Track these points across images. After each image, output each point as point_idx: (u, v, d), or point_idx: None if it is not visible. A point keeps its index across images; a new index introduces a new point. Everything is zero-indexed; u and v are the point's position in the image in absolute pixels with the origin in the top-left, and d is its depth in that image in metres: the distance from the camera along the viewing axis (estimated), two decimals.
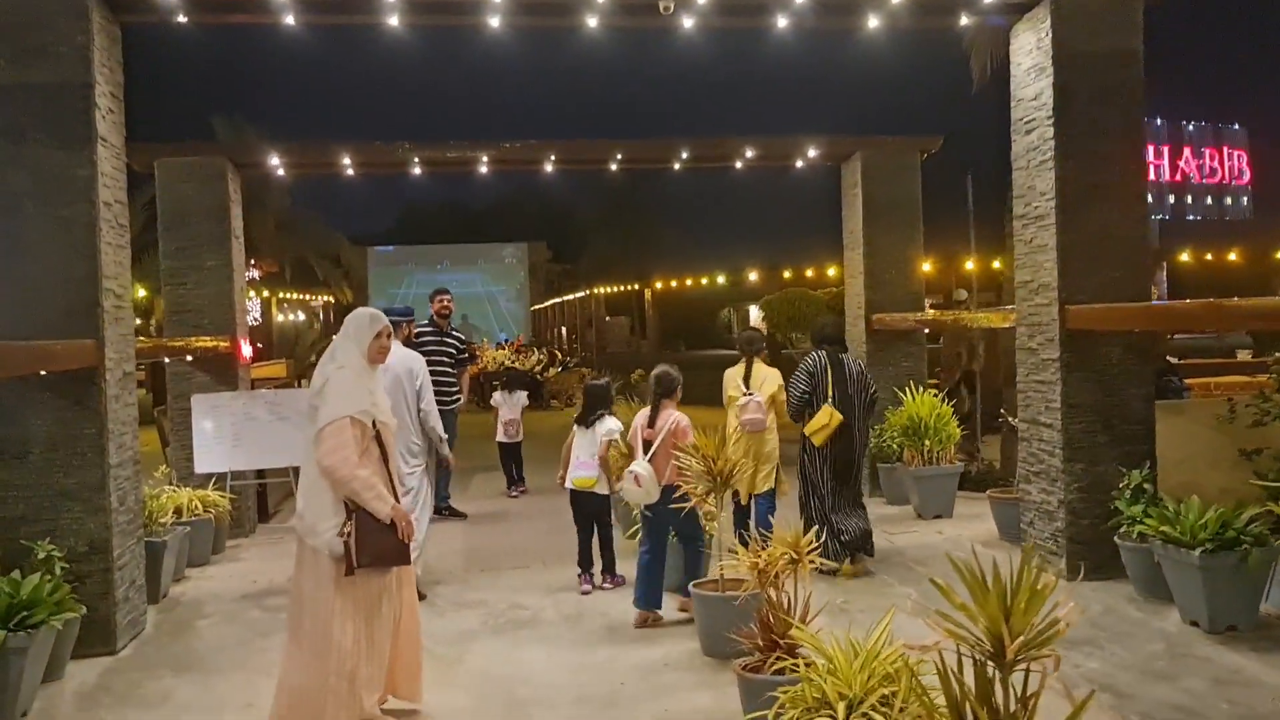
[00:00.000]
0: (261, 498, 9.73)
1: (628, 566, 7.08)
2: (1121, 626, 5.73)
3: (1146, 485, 6.26)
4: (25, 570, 5.32)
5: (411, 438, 7.07)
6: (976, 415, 10.71)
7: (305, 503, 4.45)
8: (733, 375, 7.46)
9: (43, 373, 5.66)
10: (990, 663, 2.81)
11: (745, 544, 4.90)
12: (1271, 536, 5.53)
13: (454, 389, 9.26)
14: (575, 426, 7.10)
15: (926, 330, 10.50)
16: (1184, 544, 5.57)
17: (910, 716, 3.17)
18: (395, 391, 6.71)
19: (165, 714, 5.01)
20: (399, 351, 7.09)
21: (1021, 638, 2.71)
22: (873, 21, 7.01)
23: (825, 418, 6.98)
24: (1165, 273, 28.37)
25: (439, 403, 7.32)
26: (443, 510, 9.24)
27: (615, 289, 40.66)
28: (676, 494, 6.00)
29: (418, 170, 10.48)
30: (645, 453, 6.31)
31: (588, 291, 40.84)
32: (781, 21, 6.88)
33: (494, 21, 6.63)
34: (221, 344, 9.03)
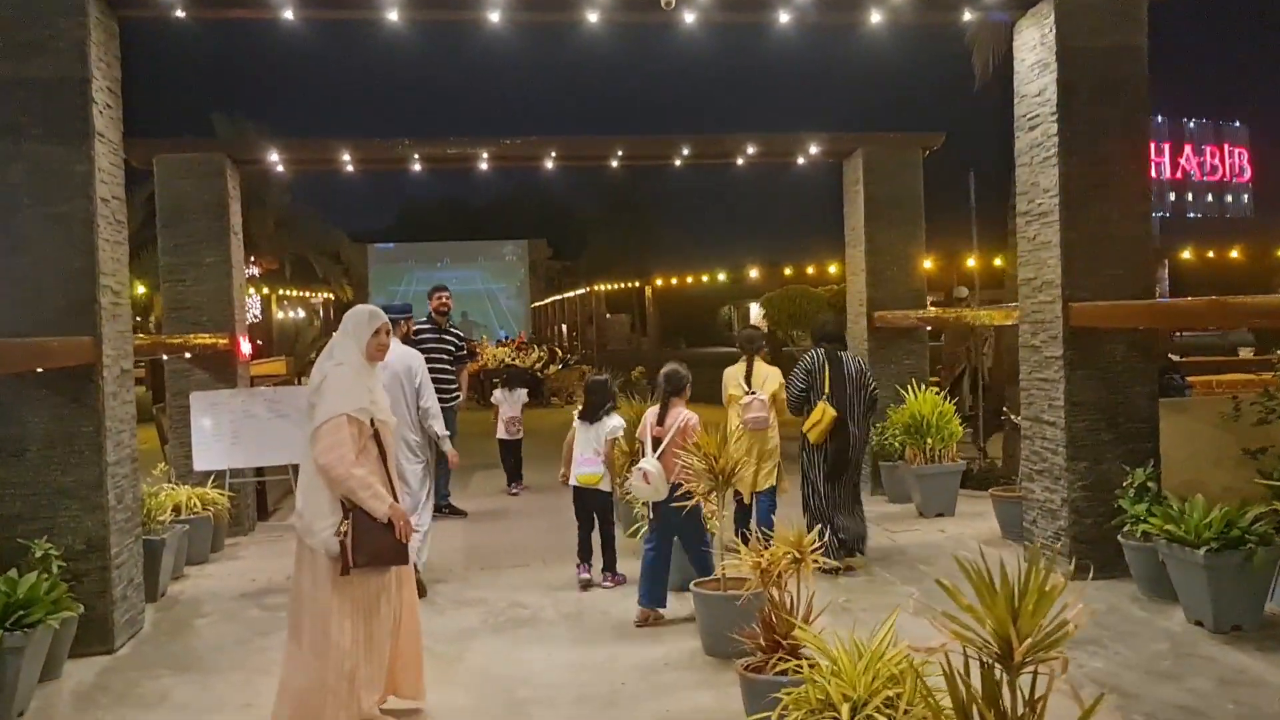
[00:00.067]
0: (261, 495, 9.70)
1: (628, 565, 7.07)
2: (1125, 626, 5.69)
3: (1150, 484, 6.23)
4: (22, 569, 5.29)
5: (411, 435, 7.06)
6: (980, 413, 10.68)
7: (303, 501, 4.41)
8: (733, 374, 7.44)
9: (39, 370, 5.62)
10: (997, 665, 2.77)
11: (746, 542, 4.88)
12: (1277, 535, 5.49)
13: (453, 386, 9.23)
14: (577, 422, 7.07)
15: (929, 328, 10.47)
16: (1189, 543, 5.54)
17: (915, 719, 3.13)
18: (394, 389, 6.68)
19: (163, 714, 4.97)
20: (398, 349, 7.06)
21: (1030, 640, 2.67)
22: (875, 17, 6.95)
23: (819, 414, 7.01)
24: (1166, 270, 28.33)
25: (438, 400, 7.28)
26: (442, 508, 9.21)
27: (616, 286, 40.62)
28: (678, 492, 5.98)
29: (417, 167, 10.44)
30: (654, 450, 6.28)
31: (588, 289, 40.80)
32: (783, 16, 6.84)
33: (494, 16, 6.59)
34: (220, 341, 8.99)
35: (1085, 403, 6.64)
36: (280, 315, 31.08)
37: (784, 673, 4.03)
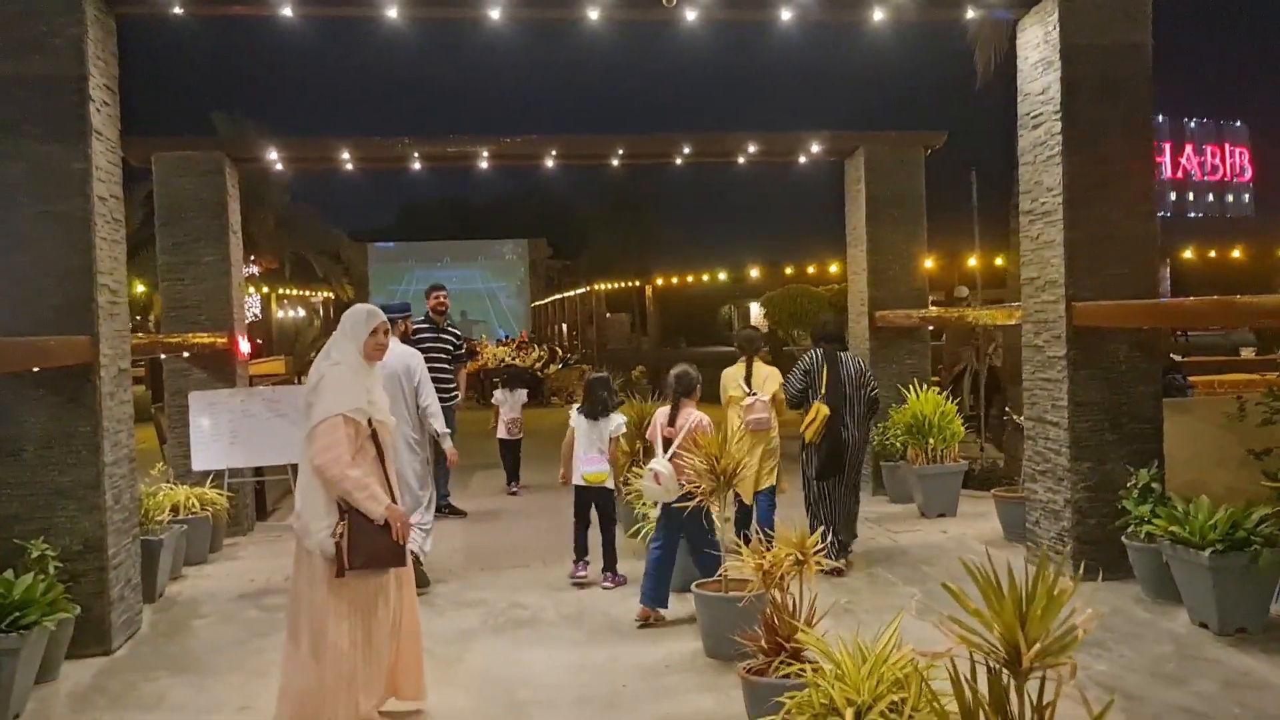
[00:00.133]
0: (260, 495, 9.66)
1: (627, 566, 7.04)
2: (1129, 628, 5.65)
3: (1154, 485, 6.19)
4: (18, 570, 5.26)
5: (410, 434, 7.03)
6: (982, 413, 10.64)
7: (301, 502, 4.38)
8: (733, 375, 7.41)
9: (36, 369, 5.58)
10: (1005, 670, 2.73)
11: (748, 542, 4.85)
12: None
13: (451, 386, 9.19)
14: (578, 420, 7.03)
15: (930, 328, 10.43)
16: (1193, 544, 5.50)
17: None
18: (393, 388, 6.65)
19: (160, 715, 4.94)
20: (397, 348, 7.04)
21: (1038, 645, 2.63)
22: (877, 15, 6.92)
23: (813, 413, 7.03)
24: (1168, 270, 28.31)
25: (438, 399, 7.26)
26: (442, 508, 9.17)
27: (616, 285, 40.61)
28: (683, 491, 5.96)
29: (417, 165, 10.40)
30: (665, 451, 6.26)
31: (588, 288, 40.77)
32: (785, 14, 6.80)
33: (494, 14, 6.55)
34: (219, 340, 8.95)
35: (1089, 403, 6.61)
36: (280, 314, 31.06)
37: (786, 676, 3.99)
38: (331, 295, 33.66)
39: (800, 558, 4.40)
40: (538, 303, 43.84)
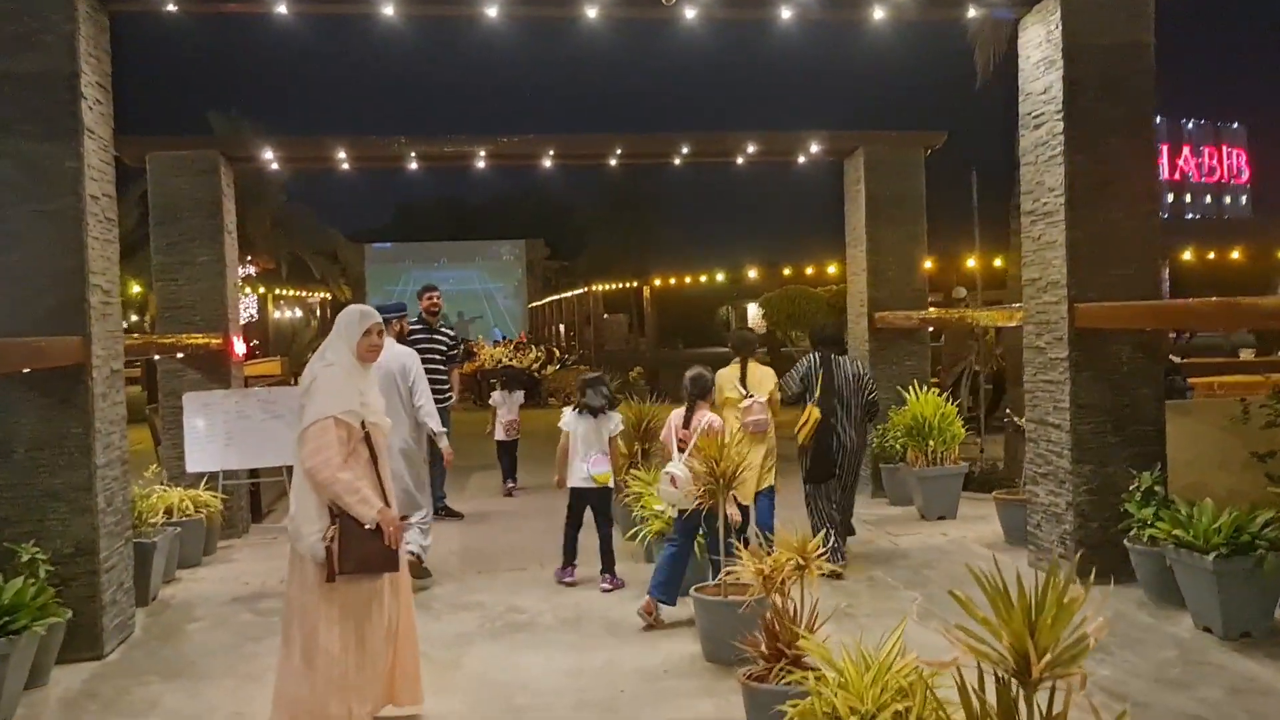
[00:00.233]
0: (255, 497, 9.60)
1: (625, 569, 6.99)
2: (1133, 632, 5.60)
3: (1157, 488, 6.13)
4: (8, 574, 5.19)
5: (407, 434, 6.99)
6: (981, 414, 10.59)
7: (294, 505, 4.32)
8: (729, 376, 7.36)
9: (27, 370, 5.51)
10: (1014, 680, 2.67)
11: (746, 544, 4.81)
12: None
13: (445, 386, 9.13)
14: (576, 421, 6.97)
15: (930, 329, 10.38)
16: (1197, 548, 5.44)
17: None
18: (388, 389, 6.60)
19: None
20: (393, 348, 7.00)
21: (1049, 655, 2.57)
22: (878, 14, 6.87)
23: (805, 415, 7.07)
24: (1167, 271, 28.28)
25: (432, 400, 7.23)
26: (439, 510, 9.11)
27: (613, 286, 40.52)
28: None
29: (414, 165, 10.34)
30: (680, 453, 6.23)
31: (586, 289, 40.68)
32: (785, 13, 6.75)
33: (491, 11, 6.49)
34: (213, 341, 8.88)
35: (1091, 405, 6.55)
36: (277, 315, 30.96)
37: (788, 683, 3.93)
38: (329, 296, 33.55)
39: (801, 562, 4.34)
40: (535, 303, 43.76)
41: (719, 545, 5.95)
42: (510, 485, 10.86)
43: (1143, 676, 4.98)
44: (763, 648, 4.25)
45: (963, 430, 8.97)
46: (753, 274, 30.72)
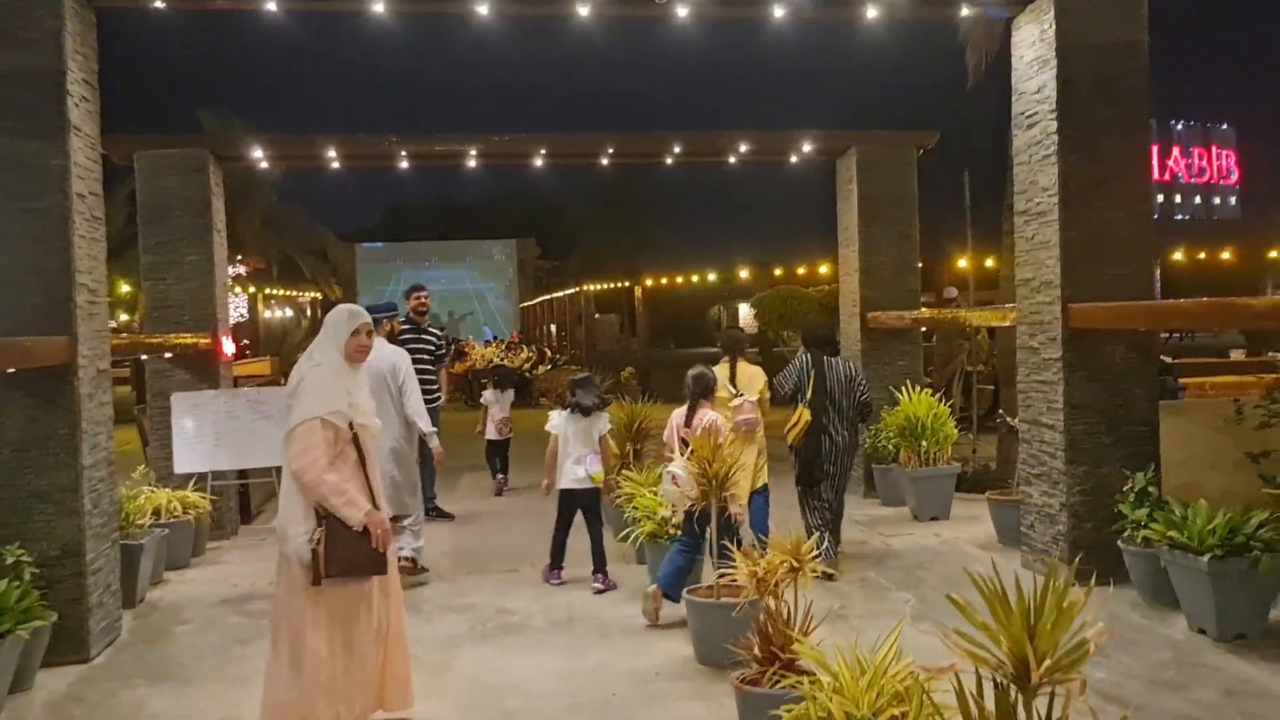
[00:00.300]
0: (244, 498, 9.52)
1: (616, 570, 6.95)
2: (1127, 634, 5.57)
3: (1151, 488, 6.11)
4: None
5: (397, 435, 6.96)
6: (974, 414, 10.57)
7: (282, 506, 4.26)
8: (719, 375, 7.33)
9: (12, 370, 5.45)
10: (1013, 686, 2.63)
11: (739, 545, 4.79)
12: None
13: (434, 387, 9.08)
14: (566, 422, 6.93)
15: (924, 329, 10.35)
16: (1192, 550, 5.42)
17: None
18: (379, 389, 6.55)
19: None
20: (383, 348, 6.95)
21: (1049, 660, 2.54)
22: (870, 12, 6.84)
23: (796, 417, 7.05)
24: (1158, 271, 28.36)
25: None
26: (429, 511, 9.05)
27: (605, 286, 40.47)
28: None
29: (405, 164, 10.27)
30: (683, 453, 6.21)
31: (577, 288, 40.61)
32: (778, 11, 6.71)
33: (482, 9, 6.44)
34: (201, 341, 8.81)
35: (1084, 405, 6.53)
36: (268, 315, 30.85)
37: (781, 686, 3.89)
38: (319, 295, 33.44)
39: (795, 564, 4.30)
40: (526, 303, 43.70)
41: (711, 546, 5.93)
42: (501, 479, 10.88)
43: (1138, 678, 4.96)
44: (756, 651, 4.21)
45: (955, 430, 8.94)
46: (744, 274, 30.74)
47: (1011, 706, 2.64)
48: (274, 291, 30.78)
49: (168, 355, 8.79)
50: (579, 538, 6.99)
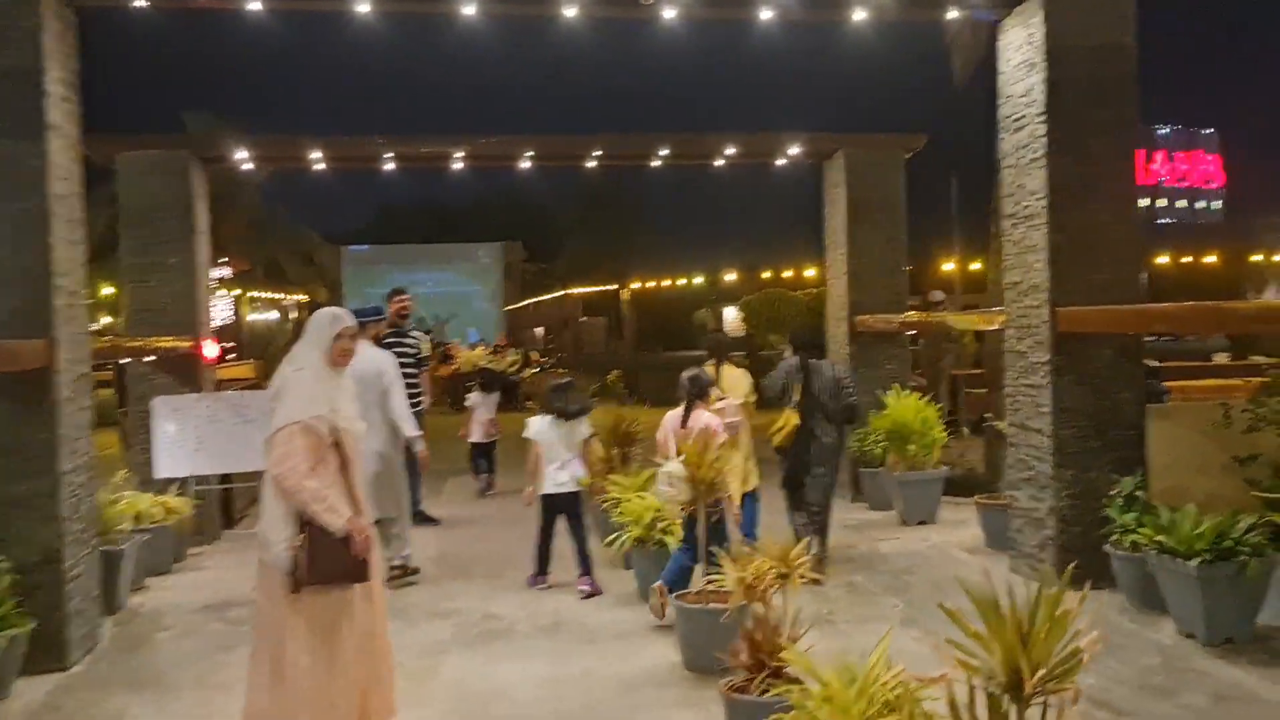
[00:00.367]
0: (226, 503, 9.44)
1: (602, 576, 6.90)
2: (1115, 638, 5.51)
3: (1139, 492, 6.09)
4: None
5: (383, 440, 6.91)
6: (961, 418, 10.56)
7: (263, 512, 4.20)
8: None
9: None
10: (1006, 696, 2.60)
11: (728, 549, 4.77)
12: (1270, 546, 5.36)
13: (418, 390, 9.02)
14: (548, 428, 6.89)
15: (911, 332, 10.34)
16: (1180, 554, 5.40)
17: None
18: (365, 394, 6.49)
19: None
20: (370, 353, 6.91)
21: (1043, 670, 2.50)
22: (858, 14, 6.81)
23: (783, 420, 7.07)
24: (1145, 275, 28.50)
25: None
26: (414, 515, 8.99)
27: (592, 289, 40.45)
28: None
29: (391, 165, 10.20)
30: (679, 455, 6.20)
31: (564, 292, 40.58)
32: (765, 13, 6.68)
33: (468, 10, 6.39)
34: (183, 344, 8.72)
35: (1073, 409, 6.51)
36: (253, 317, 30.68)
37: (772, 694, 3.85)
38: (306, 298, 33.27)
39: (784, 570, 4.26)
40: (512, 306, 43.60)
41: (700, 551, 5.90)
42: (488, 479, 10.87)
43: (1126, 684, 4.94)
44: (744, 658, 4.17)
45: (944, 434, 8.92)
46: (731, 277, 30.78)
47: (1004, 717, 2.61)
48: (259, 294, 30.63)
49: (149, 358, 8.69)
50: (566, 543, 6.95)
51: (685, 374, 6.64)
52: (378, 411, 6.87)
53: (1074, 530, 6.46)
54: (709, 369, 7.29)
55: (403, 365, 8.70)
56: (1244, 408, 5.94)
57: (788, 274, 27.11)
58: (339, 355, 4.38)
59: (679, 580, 5.95)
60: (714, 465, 5.63)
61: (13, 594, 5.17)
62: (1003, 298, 7.24)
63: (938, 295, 17.17)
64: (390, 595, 5.58)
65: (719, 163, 10.54)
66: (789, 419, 7.03)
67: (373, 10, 6.36)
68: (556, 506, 6.92)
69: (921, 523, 8.63)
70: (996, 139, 7.27)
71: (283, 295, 32.73)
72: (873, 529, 8.57)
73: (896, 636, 4.19)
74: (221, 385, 10.17)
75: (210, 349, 9.33)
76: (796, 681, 3.63)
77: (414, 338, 9.34)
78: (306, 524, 4.08)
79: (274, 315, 33.52)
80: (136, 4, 6.11)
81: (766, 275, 27.89)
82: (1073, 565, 5.84)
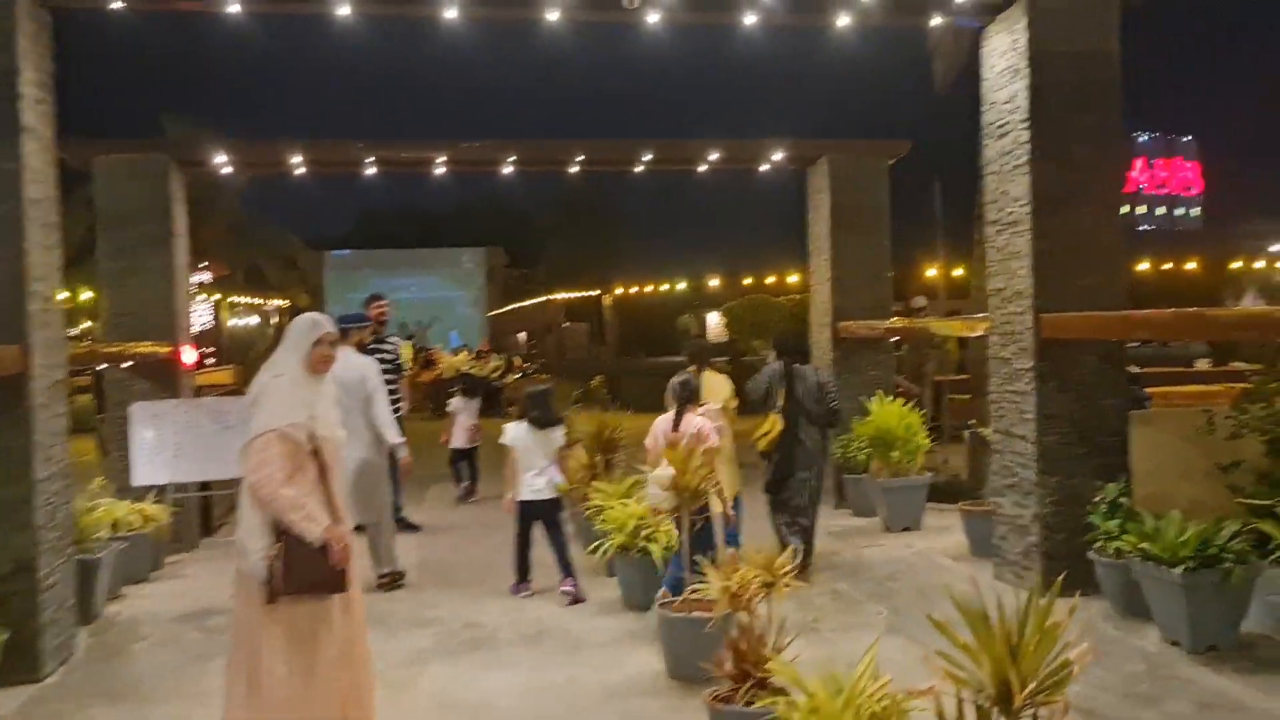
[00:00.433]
0: (205, 510, 9.33)
1: (585, 583, 6.85)
2: (1100, 646, 5.46)
3: (1123, 499, 6.09)
4: None
5: (365, 447, 6.86)
6: (943, 424, 10.56)
7: (241, 521, 4.13)
8: None
9: None
10: (995, 708, 2.56)
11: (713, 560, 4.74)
12: (1254, 554, 5.36)
13: (397, 396, 8.95)
14: (524, 435, 6.86)
15: (895, 338, 10.33)
16: (1164, 561, 5.39)
17: None
18: (347, 401, 6.43)
19: None
20: (352, 359, 6.85)
21: (1033, 683, 2.47)
22: (842, 19, 6.80)
23: (768, 425, 7.07)
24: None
25: None
26: (396, 522, 8.91)
27: (575, 294, 40.39)
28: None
29: (372, 170, 10.13)
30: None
31: (546, 297, 40.51)
32: (749, 18, 6.66)
33: (450, 14, 6.34)
34: (161, 349, 8.62)
35: (1057, 416, 6.51)
36: (233, 322, 30.46)
37: (752, 703, 3.81)
38: (287, 303, 33.05)
39: (769, 580, 4.22)
40: (495, 312, 43.51)
41: (709, 548, 5.89)
42: (468, 486, 10.86)
43: (1111, 691, 4.92)
44: (729, 667, 4.13)
45: (928, 440, 8.91)
46: (714, 283, 30.79)
47: None
48: (239, 299, 30.41)
49: (127, 364, 8.59)
50: (548, 550, 6.90)
51: (675, 379, 6.63)
52: (360, 418, 6.83)
53: (1058, 537, 6.45)
54: (692, 375, 7.27)
55: (382, 371, 8.66)
56: (1227, 414, 5.94)
57: (771, 280, 27.15)
58: (318, 362, 4.31)
59: (677, 588, 5.92)
60: (699, 472, 5.59)
61: None
62: (986, 304, 7.24)
63: (920, 301, 17.20)
64: (370, 603, 5.51)
65: (702, 168, 10.52)
66: (773, 424, 7.03)
67: (356, 13, 6.31)
68: (533, 513, 6.89)
69: (906, 529, 8.61)
70: (980, 145, 7.27)
71: (263, 300, 32.52)
72: (857, 536, 8.55)
73: (882, 644, 4.17)
74: (201, 391, 10.05)
75: (189, 354, 9.23)
76: (782, 692, 3.59)
77: (391, 343, 9.28)
78: (283, 533, 4.01)
79: (254, 320, 33.30)
80: (113, 5, 6.03)
81: (749, 281, 27.94)
82: (1062, 575, 5.87)
